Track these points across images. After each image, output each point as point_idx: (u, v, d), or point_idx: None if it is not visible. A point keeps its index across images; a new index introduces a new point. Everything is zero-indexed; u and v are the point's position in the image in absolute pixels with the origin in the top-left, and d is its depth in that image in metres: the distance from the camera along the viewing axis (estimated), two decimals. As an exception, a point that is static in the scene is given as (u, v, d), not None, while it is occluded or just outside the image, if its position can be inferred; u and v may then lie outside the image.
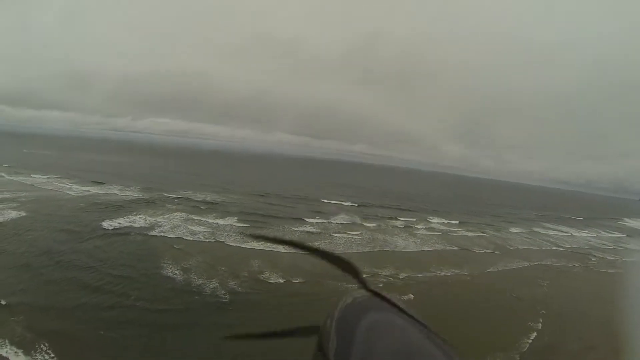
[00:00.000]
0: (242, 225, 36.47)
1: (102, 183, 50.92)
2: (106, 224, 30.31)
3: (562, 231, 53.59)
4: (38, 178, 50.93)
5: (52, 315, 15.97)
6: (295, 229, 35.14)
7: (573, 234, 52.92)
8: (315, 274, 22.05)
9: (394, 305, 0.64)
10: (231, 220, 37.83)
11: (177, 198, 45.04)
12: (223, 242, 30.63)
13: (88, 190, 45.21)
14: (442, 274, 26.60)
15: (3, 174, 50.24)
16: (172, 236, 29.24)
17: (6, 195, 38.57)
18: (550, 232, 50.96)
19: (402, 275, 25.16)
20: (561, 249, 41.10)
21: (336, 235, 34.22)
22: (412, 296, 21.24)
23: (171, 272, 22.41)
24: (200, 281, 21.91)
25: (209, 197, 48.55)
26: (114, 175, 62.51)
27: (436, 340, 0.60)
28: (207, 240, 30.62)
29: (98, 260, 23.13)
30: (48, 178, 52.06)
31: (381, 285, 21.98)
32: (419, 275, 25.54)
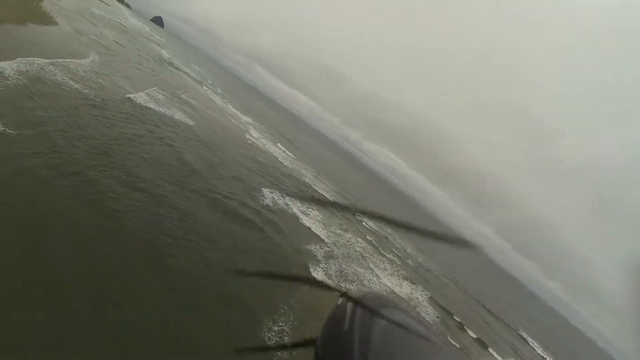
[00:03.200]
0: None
1: (300, 161, 47.29)
2: (263, 193, 22.56)
3: None
4: (240, 115, 48.90)
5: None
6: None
7: None
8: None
9: (382, 310, 0.72)
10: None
11: (370, 230, 35.75)
12: None
13: (278, 153, 41.44)
14: None
15: (215, 98, 53.01)
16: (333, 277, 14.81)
17: (194, 103, 35.34)
18: None
19: None
20: None
21: None
22: None
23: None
24: None
25: (420, 258, 39.97)
26: (317, 163, 62.71)
27: (428, 340, 0.65)
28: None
29: (196, 226, 10.54)
30: (250, 121, 50.03)
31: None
32: None
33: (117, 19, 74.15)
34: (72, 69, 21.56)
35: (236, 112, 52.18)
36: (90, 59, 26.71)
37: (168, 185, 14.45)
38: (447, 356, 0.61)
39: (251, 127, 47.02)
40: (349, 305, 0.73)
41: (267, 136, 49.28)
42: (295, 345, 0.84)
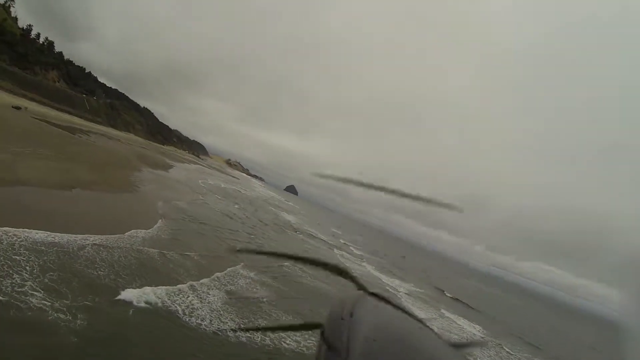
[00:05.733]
0: None
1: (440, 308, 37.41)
2: None
3: None
4: (383, 280, 40.60)
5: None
6: None
7: None
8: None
9: (391, 303, 0.77)
10: None
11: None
12: None
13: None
14: None
15: (354, 264, 44.07)
16: None
17: (322, 285, 23.98)
18: None
19: None
20: None
21: None
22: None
23: None
24: None
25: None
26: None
27: (432, 331, 0.69)
28: None
29: None
30: (398, 284, 41.09)
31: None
32: None
33: (239, 189, 75.24)
34: (67, 250, 13.11)
35: (379, 275, 41.74)
36: (147, 232, 19.19)
37: None
38: (443, 346, 0.67)
39: (407, 296, 36.41)
40: (358, 294, 0.78)
41: (436, 304, 38.46)
42: (304, 327, 0.89)
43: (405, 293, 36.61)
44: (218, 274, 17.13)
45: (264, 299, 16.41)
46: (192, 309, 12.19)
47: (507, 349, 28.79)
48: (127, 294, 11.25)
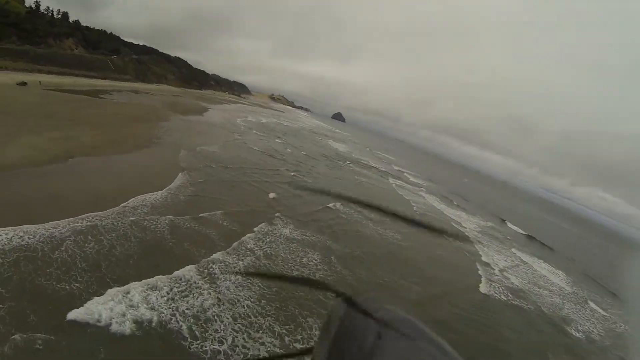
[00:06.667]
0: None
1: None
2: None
3: None
4: (447, 213, 38.09)
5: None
6: None
7: None
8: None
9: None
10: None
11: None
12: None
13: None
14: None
15: (412, 195, 41.26)
16: None
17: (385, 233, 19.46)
18: None
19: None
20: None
21: None
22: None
23: None
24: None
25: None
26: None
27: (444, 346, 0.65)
28: None
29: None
30: (465, 218, 38.48)
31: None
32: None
33: (282, 122, 71.83)
34: (35, 254, 9.39)
35: (443, 207, 39.04)
36: (159, 194, 15.56)
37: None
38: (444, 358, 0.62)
39: (479, 234, 31.88)
40: (345, 308, 0.76)
41: (509, 242, 33.65)
42: (291, 355, 0.89)
43: (477, 231, 32.69)
44: (247, 237, 13.36)
45: (317, 274, 12.37)
46: (205, 321, 8.14)
47: (593, 305, 23.41)
48: (103, 313, 7.38)
